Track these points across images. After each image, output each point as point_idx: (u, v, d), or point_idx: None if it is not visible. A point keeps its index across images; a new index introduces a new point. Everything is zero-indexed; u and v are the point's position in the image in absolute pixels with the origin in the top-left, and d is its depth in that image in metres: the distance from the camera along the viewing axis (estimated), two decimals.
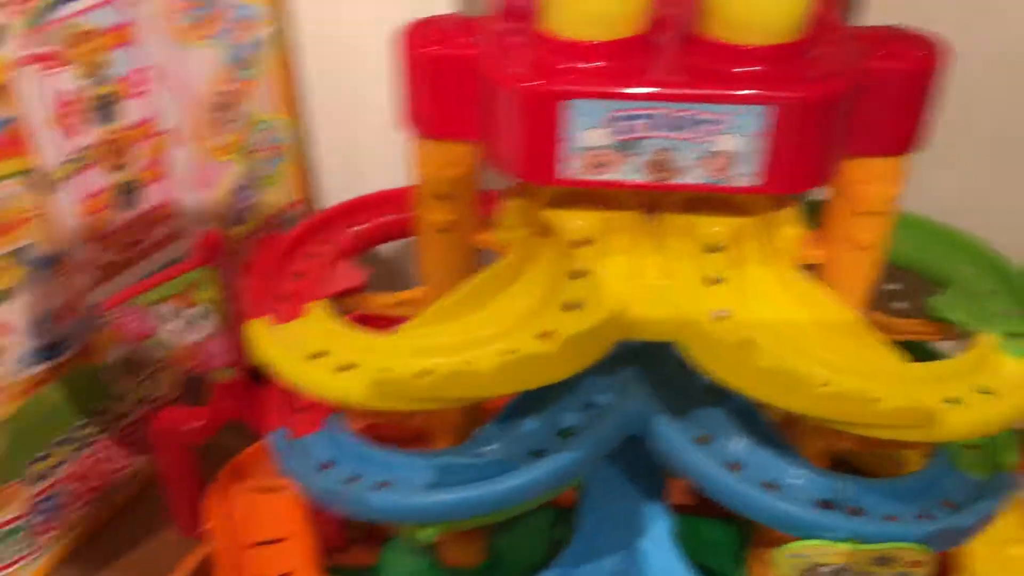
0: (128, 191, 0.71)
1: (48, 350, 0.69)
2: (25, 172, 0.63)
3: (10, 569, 0.71)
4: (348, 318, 0.53)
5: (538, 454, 0.52)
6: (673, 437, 0.52)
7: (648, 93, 0.41)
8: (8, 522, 0.70)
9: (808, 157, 0.43)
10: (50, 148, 0.64)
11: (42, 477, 0.71)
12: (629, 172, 0.43)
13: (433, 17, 0.47)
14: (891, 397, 0.46)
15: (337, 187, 0.89)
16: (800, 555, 0.50)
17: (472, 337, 0.48)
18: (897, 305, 0.73)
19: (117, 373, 0.75)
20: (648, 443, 0.53)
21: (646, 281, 0.48)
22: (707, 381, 0.47)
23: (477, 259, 0.53)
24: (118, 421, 0.77)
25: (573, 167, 0.43)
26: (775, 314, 0.48)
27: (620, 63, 0.42)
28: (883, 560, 0.50)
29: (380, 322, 0.54)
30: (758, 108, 0.41)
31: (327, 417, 0.55)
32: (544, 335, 0.46)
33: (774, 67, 0.41)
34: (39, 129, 0.63)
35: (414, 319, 0.53)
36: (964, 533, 0.51)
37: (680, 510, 0.58)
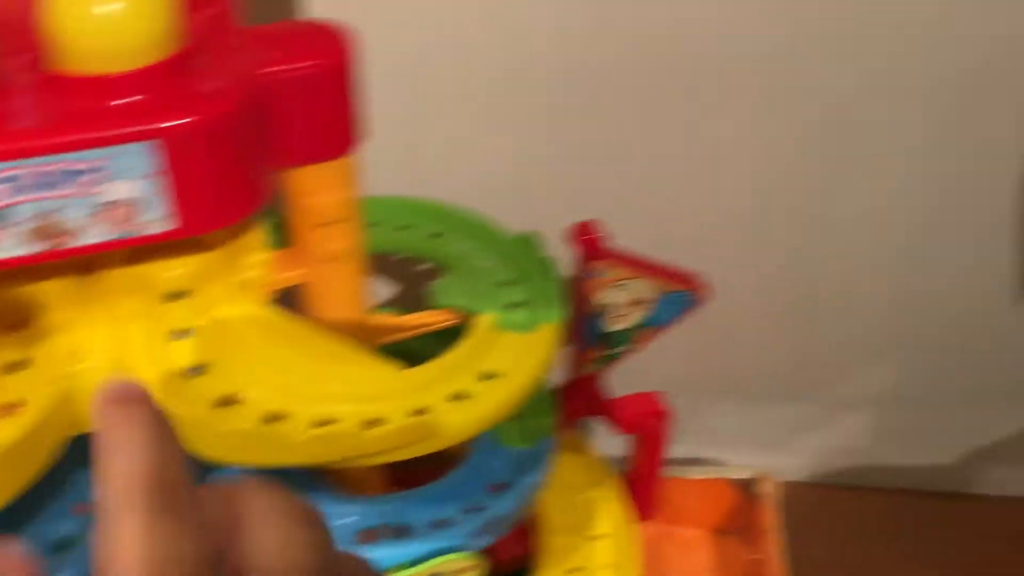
0: None
1: None
2: None
3: None
4: None
5: None
6: None
7: None
8: None
9: (225, 186, 0.37)
10: None
11: None
12: (12, 247, 0.35)
13: None
14: (394, 413, 0.42)
15: None
16: None
17: None
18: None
19: None
20: None
21: (96, 359, 0.41)
22: None
23: None
24: None
25: None
26: (256, 358, 0.43)
27: None
28: None
29: None
30: (138, 146, 0.34)
31: None
32: None
33: (150, 94, 0.35)
34: None
35: None
36: (509, 518, 0.50)
37: None
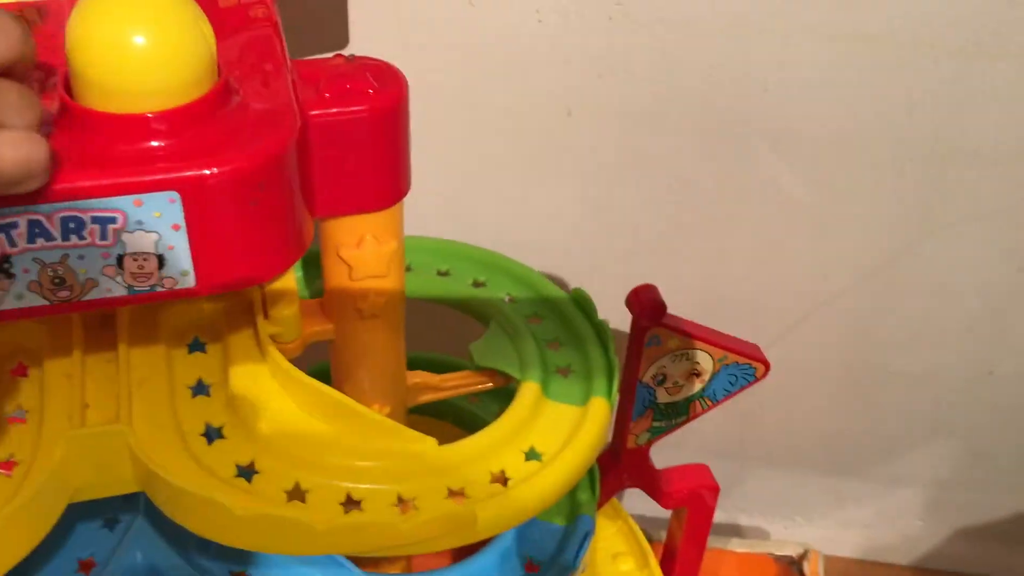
0: None
1: None
2: None
3: None
4: None
5: None
6: None
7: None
8: None
9: (256, 239, 0.33)
10: None
11: None
12: (12, 300, 0.31)
13: None
14: (429, 493, 0.38)
15: None
16: None
17: None
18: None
19: None
20: None
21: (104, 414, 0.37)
22: None
23: None
24: None
25: None
26: (278, 426, 0.38)
27: None
28: None
29: None
30: (161, 195, 0.30)
31: None
32: None
33: (176, 140, 0.31)
34: None
35: None
36: None
37: None
